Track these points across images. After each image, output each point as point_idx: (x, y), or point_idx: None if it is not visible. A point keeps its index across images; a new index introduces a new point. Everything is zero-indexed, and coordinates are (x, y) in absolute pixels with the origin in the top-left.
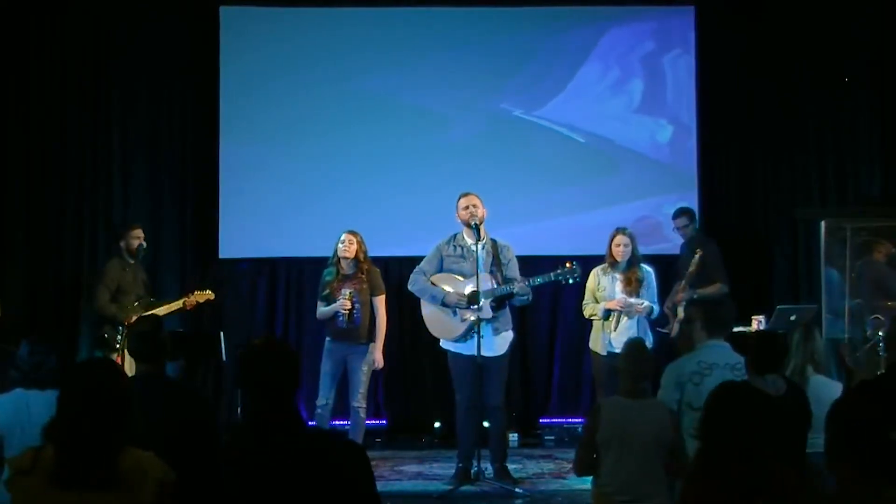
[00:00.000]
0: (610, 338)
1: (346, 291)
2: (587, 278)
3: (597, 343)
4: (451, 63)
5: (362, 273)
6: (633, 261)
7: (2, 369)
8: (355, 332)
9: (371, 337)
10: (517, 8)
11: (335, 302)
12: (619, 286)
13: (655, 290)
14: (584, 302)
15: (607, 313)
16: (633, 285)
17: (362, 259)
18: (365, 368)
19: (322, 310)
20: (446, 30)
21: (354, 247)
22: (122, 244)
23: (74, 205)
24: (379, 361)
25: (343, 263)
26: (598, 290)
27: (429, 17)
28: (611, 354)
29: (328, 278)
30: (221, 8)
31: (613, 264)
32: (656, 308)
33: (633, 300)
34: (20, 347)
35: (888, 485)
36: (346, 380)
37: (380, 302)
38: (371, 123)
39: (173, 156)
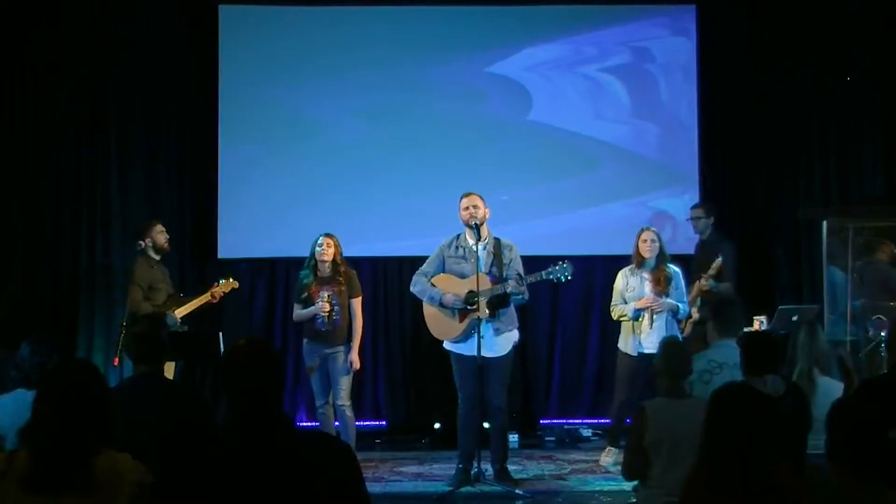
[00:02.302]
0: (640, 339)
1: (325, 294)
2: (613, 279)
3: (627, 344)
4: (450, 62)
5: (340, 276)
6: (661, 258)
7: (1, 370)
8: (334, 334)
9: (349, 339)
10: (519, 7)
11: (313, 305)
12: (648, 286)
13: (684, 290)
14: (612, 303)
15: (637, 314)
16: (662, 285)
17: (339, 262)
18: (346, 367)
19: (299, 312)
20: (444, 29)
21: (332, 250)
22: (147, 241)
23: (72, 204)
24: (356, 362)
25: (320, 266)
26: (626, 290)
27: (427, 16)
28: (641, 355)
29: (305, 281)
30: (220, 7)
31: (641, 263)
32: (683, 307)
33: (662, 299)
34: (21, 348)
35: (889, 487)
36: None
37: (357, 304)
38: (370, 122)
39: (171, 155)
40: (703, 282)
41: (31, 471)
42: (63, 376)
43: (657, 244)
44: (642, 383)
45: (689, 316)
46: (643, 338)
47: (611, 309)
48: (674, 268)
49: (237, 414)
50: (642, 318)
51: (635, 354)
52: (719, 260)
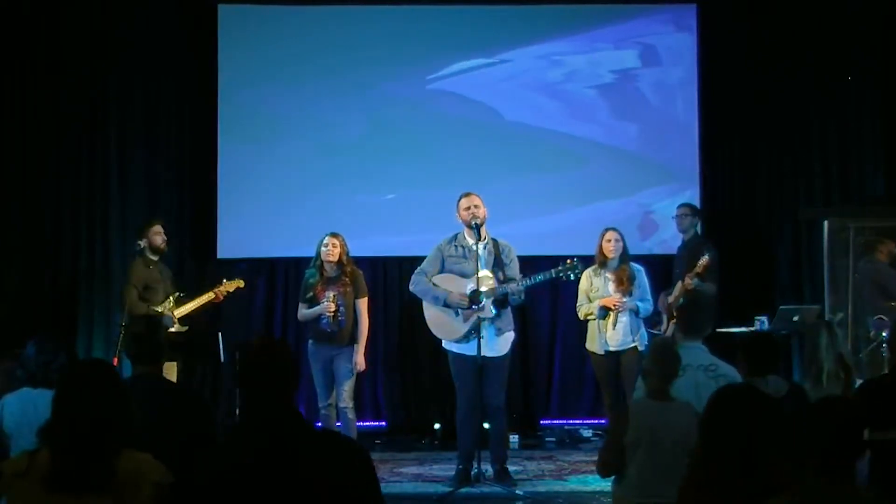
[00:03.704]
0: (606, 337)
1: (331, 294)
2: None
3: (593, 343)
4: (451, 61)
5: (346, 276)
6: (624, 258)
7: (6, 369)
8: (339, 334)
9: (354, 339)
10: (522, 7)
11: (318, 305)
12: (611, 286)
13: (648, 288)
14: (577, 303)
15: (604, 312)
16: (626, 284)
17: (345, 262)
18: (350, 368)
19: (304, 312)
20: (444, 28)
21: (338, 250)
22: (144, 242)
23: (71, 205)
24: (361, 364)
25: (326, 266)
26: (591, 290)
27: (426, 16)
28: (608, 353)
29: (311, 281)
30: (220, 7)
31: (604, 263)
32: (643, 305)
33: (626, 299)
34: (26, 347)
35: (850, 485)
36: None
37: (362, 305)
38: (369, 122)
39: (171, 155)
40: (687, 281)
41: (52, 470)
42: (82, 375)
43: (621, 244)
44: (615, 379)
45: (672, 316)
46: (608, 335)
47: (577, 309)
48: (636, 266)
49: (252, 413)
50: (609, 316)
51: (602, 353)
52: (705, 258)
